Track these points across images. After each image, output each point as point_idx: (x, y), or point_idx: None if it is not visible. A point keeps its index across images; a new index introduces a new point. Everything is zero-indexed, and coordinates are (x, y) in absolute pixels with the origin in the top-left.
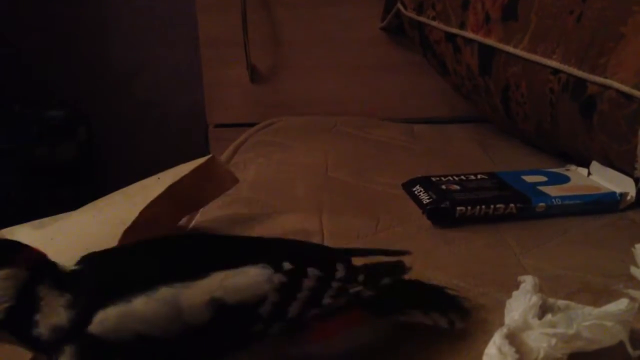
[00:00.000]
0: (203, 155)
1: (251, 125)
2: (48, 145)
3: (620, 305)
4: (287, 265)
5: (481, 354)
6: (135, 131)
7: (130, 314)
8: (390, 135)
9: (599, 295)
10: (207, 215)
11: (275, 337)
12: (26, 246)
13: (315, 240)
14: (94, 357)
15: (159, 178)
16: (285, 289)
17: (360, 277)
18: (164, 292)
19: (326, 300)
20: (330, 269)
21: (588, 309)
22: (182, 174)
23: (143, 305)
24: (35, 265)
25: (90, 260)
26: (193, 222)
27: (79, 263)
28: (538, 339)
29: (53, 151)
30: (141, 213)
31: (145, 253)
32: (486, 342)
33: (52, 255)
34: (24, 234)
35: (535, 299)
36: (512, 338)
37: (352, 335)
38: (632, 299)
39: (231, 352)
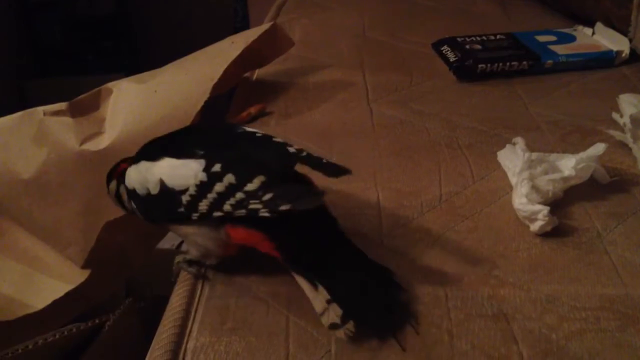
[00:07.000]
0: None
1: None
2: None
3: (598, 148)
4: (216, 167)
5: None
6: None
7: (129, 175)
8: None
9: (587, 135)
10: (268, 69)
11: (209, 221)
12: None
13: (360, 92)
14: (128, 194)
15: (232, 42)
16: (202, 187)
17: (267, 196)
18: (144, 165)
19: (226, 207)
20: (245, 179)
21: (567, 155)
22: (252, 39)
23: (133, 171)
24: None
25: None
26: (255, 75)
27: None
28: (546, 183)
29: (92, 5)
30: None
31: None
32: None
33: (157, 104)
34: (129, 87)
35: (528, 155)
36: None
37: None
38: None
39: (177, 222)
